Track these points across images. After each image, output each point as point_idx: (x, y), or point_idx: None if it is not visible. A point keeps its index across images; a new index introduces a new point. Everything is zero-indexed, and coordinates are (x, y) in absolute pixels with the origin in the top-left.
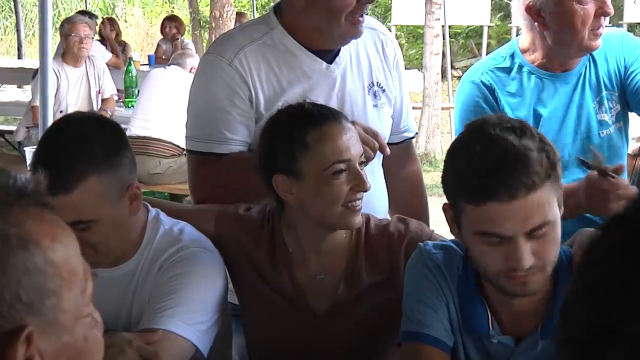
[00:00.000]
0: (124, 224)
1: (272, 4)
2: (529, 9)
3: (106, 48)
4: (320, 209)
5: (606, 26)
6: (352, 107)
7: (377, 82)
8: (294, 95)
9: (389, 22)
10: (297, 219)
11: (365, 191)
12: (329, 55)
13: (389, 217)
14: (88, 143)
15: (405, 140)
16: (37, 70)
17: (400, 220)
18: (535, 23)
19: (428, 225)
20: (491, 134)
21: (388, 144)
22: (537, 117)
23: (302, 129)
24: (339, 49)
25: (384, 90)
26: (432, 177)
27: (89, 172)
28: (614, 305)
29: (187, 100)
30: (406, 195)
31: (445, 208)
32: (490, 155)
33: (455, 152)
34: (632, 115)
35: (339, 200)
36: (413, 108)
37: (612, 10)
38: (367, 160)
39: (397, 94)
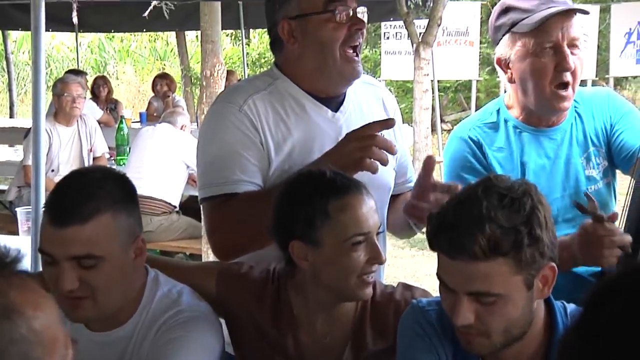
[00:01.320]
0: (128, 273)
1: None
2: (499, 61)
3: (97, 105)
4: (335, 279)
5: (592, 79)
6: None
7: (381, 134)
8: (301, 141)
9: (379, 77)
10: (308, 285)
11: (381, 264)
12: (334, 104)
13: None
14: (108, 184)
15: (409, 191)
16: (29, 129)
17: (406, 287)
18: (506, 76)
19: None
20: (476, 193)
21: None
22: (524, 171)
23: (325, 198)
24: (343, 99)
25: (394, 146)
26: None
27: (105, 209)
28: None
29: (197, 150)
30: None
31: None
32: (454, 211)
33: (450, 198)
34: None
35: (356, 272)
36: None
37: (571, 66)
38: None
39: (401, 147)
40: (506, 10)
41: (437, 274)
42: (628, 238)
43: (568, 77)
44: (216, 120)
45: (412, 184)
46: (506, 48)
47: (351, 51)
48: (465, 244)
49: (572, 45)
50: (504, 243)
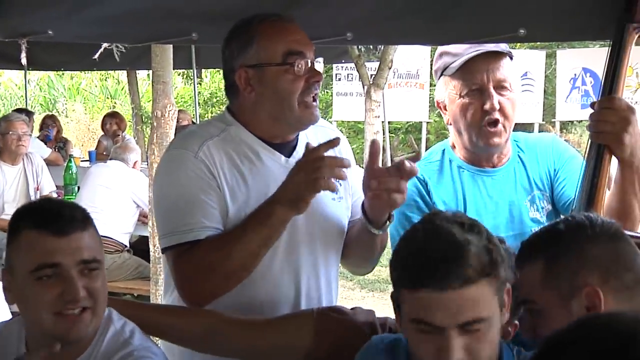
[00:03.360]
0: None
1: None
2: (438, 104)
3: (45, 144)
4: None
5: (539, 123)
6: (314, 199)
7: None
8: (256, 188)
9: (330, 117)
10: None
11: None
12: (287, 149)
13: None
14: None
15: None
16: None
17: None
18: (446, 118)
19: None
20: (436, 224)
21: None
22: (466, 209)
23: None
24: (296, 143)
25: (341, 185)
26: (375, 271)
27: (90, 221)
28: None
29: (154, 197)
30: None
31: (391, 296)
32: (430, 244)
33: (401, 241)
34: None
35: None
36: None
37: (495, 106)
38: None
39: (356, 187)
40: (441, 54)
41: (413, 319)
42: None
43: (496, 115)
44: (173, 167)
45: None
46: (441, 91)
47: (310, 99)
48: (456, 271)
49: (500, 86)
50: (487, 263)
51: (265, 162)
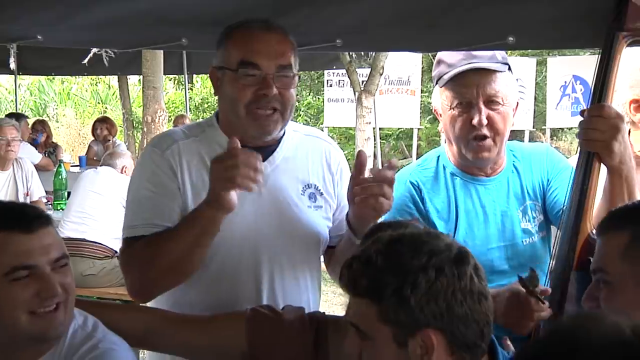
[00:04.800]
0: None
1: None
2: (435, 110)
3: (36, 149)
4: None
5: (530, 130)
6: (285, 204)
7: (315, 185)
8: None
9: (322, 124)
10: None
11: None
12: (263, 154)
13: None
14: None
15: None
16: None
17: None
18: (441, 125)
19: None
20: (381, 236)
21: (330, 247)
22: (457, 217)
23: None
24: (275, 149)
25: (321, 194)
26: None
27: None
28: None
29: None
30: None
31: None
32: (367, 245)
33: None
34: None
35: None
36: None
37: (482, 122)
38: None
39: (344, 198)
40: (438, 62)
41: None
42: (549, 312)
43: (484, 130)
44: (140, 164)
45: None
46: (436, 99)
47: (260, 110)
48: (343, 274)
49: (490, 101)
50: (365, 286)
51: None
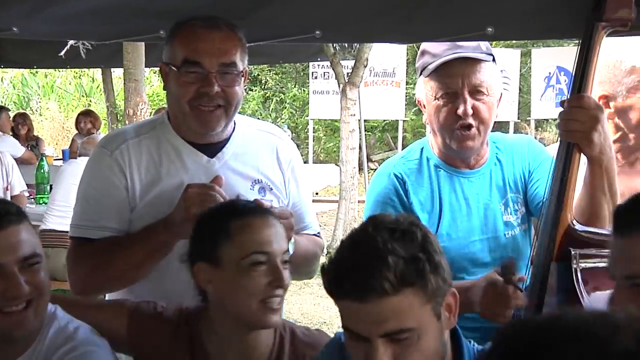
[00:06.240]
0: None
1: None
2: (418, 102)
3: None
4: (237, 302)
5: (515, 121)
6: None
7: (264, 181)
8: (170, 185)
9: (307, 116)
10: (216, 316)
11: (283, 288)
12: (212, 150)
13: None
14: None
15: (308, 230)
16: None
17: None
18: (425, 116)
19: None
20: (366, 231)
21: None
22: (441, 209)
23: (227, 218)
24: (224, 145)
25: (271, 189)
26: None
27: (19, 219)
28: None
29: None
30: None
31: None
32: (352, 253)
33: (338, 247)
34: None
35: (257, 295)
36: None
37: (468, 111)
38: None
39: (295, 195)
40: (422, 53)
41: (343, 326)
42: (526, 301)
43: (470, 119)
44: (89, 164)
45: (311, 230)
46: (420, 90)
47: (203, 107)
48: (373, 282)
49: (475, 91)
50: (408, 273)
51: (185, 161)
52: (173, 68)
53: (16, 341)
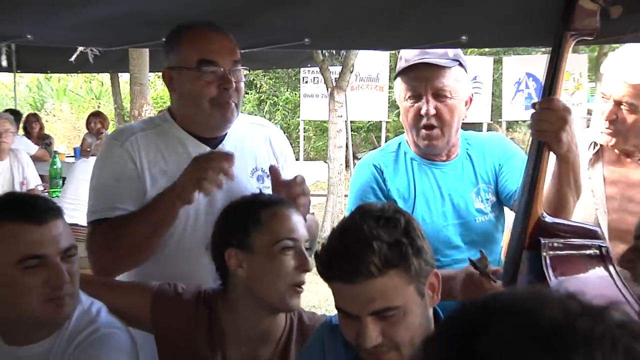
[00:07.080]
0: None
1: None
2: (397, 101)
3: (32, 142)
4: (267, 284)
5: (488, 123)
6: (236, 187)
7: (262, 168)
8: (177, 174)
9: (298, 117)
10: (240, 298)
11: (309, 271)
12: (215, 142)
13: None
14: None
15: None
16: None
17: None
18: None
19: None
20: (354, 220)
21: None
22: (416, 197)
23: (257, 208)
24: (224, 137)
25: (268, 176)
26: None
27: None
28: None
29: None
30: None
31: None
32: (341, 239)
33: (330, 234)
34: None
35: (286, 277)
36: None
37: (430, 112)
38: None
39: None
40: (400, 58)
41: (336, 306)
42: (502, 288)
43: (432, 120)
44: (101, 154)
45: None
46: (396, 91)
47: (224, 102)
48: (360, 266)
49: (438, 95)
50: (392, 256)
51: (191, 154)
52: (186, 70)
53: (51, 325)
